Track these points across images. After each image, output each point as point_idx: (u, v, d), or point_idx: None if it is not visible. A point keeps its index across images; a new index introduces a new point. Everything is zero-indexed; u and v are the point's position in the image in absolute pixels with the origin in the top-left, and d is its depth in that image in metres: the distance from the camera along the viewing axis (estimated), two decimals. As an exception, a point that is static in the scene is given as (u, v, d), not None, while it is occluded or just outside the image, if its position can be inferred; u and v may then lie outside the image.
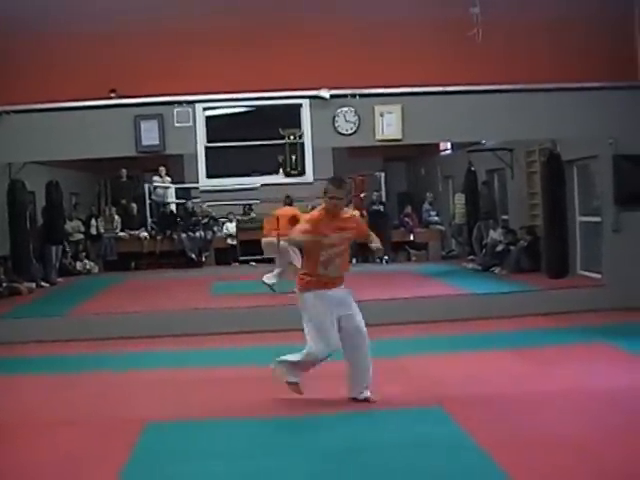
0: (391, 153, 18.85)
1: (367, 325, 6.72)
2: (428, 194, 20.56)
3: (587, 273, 13.29)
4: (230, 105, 11.31)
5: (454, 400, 6.71)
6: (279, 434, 6.18)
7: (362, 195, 19.65)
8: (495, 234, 16.34)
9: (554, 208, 12.14)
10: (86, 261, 18.25)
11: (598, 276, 12.35)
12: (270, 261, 14.17)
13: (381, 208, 19.07)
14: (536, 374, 7.73)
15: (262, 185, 13.09)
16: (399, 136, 10.97)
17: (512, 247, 15.35)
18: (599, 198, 12.40)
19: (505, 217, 17.30)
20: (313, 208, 7.28)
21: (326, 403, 6.90)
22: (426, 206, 20.41)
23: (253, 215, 19.54)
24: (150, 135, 10.79)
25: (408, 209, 20.12)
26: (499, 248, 15.78)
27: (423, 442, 5.72)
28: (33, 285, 14.46)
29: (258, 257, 16.13)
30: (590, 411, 6.34)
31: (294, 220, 9.97)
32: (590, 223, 13.28)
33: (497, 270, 15.25)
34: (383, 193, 19.61)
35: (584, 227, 13.67)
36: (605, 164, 11.37)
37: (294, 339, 7.20)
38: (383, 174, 19.99)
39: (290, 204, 13.69)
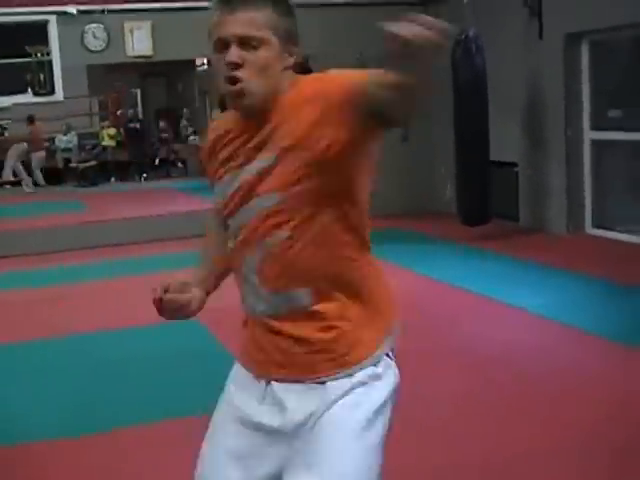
0: (148, 69, 18.66)
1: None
2: (185, 110, 20.55)
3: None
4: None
5: (210, 312, 6.92)
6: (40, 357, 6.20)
7: (118, 112, 19.37)
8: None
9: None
10: None
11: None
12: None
13: (137, 125, 18.90)
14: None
15: (14, 104, 12.71)
16: (150, 52, 10.88)
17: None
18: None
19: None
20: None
21: (80, 321, 6.96)
22: (183, 122, 20.40)
23: (6, 135, 18.94)
24: None
25: (162, 124, 20.05)
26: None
27: (180, 353, 5.91)
28: None
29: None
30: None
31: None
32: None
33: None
34: (140, 109, 19.41)
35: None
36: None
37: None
38: (139, 90, 19.75)
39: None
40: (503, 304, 6.68)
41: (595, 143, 9.28)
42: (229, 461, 2.07)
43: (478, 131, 9.09)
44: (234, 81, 1.91)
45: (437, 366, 5.29)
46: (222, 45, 1.91)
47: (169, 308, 2.08)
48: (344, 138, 1.85)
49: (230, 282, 2.21)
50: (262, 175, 1.96)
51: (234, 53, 1.89)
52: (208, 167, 2.14)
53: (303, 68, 9.62)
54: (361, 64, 10.93)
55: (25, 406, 5.07)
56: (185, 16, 10.70)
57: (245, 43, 1.89)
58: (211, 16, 1.95)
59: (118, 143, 19.40)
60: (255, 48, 1.90)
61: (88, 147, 19.27)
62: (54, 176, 18.14)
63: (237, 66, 1.89)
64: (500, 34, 9.67)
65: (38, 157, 17.32)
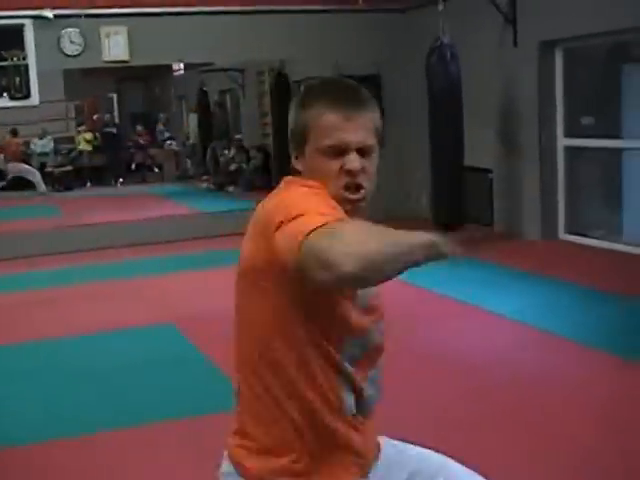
0: (124, 74, 18.62)
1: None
2: (161, 115, 20.52)
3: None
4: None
5: (186, 317, 6.93)
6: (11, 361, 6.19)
7: (95, 117, 19.34)
8: (228, 153, 16.66)
9: (283, 126, 12.50)
10: None
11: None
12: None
13: (114, 130, 18.87)
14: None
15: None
16: (126, 57, 10.83)
17: (245, 166, 15.72)
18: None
19: (238, 136, 17.58)
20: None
21: (55, 327, 6.95)
22: (160, 127, 20.38)
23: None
24: None
25: (139, 128, 20.02)
26: (232, 167, 16.11)
27: (156, 359, 5.92)
28: None
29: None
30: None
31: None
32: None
33: (231, 189, 15.62)
34: (116, 114, 19.36)
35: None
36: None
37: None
38: (116, 95, 19.71)
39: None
40: (477, 309, 6.74)
41: (568, 150, 9.38)
42: None
43: (453, 137, 9.15)
44: (358, 189, 1.89)
45: (414, 371, 5.33)
46: (338, 151, 1.88)
47: None
48: None
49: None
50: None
51: (356, 160, 1.87)
52: None
53: (279, 74, 9.73)
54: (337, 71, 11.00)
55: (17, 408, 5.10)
56: (161, 21, 10.73)
57: (362, 149, 1.88)
58: (317, 115, 1.90)
59: (95, 147, 19.35)
60: (369, 154, 1.90)
61: (64, 152, 19.20)
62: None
63: (357, 174, 1.88)
64: (475, 41, 9.74)
65: (15, 168, 17.29)
